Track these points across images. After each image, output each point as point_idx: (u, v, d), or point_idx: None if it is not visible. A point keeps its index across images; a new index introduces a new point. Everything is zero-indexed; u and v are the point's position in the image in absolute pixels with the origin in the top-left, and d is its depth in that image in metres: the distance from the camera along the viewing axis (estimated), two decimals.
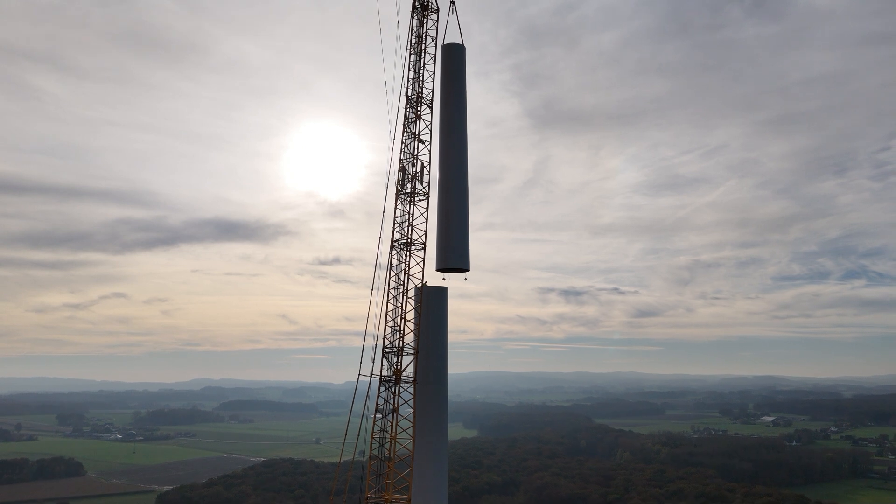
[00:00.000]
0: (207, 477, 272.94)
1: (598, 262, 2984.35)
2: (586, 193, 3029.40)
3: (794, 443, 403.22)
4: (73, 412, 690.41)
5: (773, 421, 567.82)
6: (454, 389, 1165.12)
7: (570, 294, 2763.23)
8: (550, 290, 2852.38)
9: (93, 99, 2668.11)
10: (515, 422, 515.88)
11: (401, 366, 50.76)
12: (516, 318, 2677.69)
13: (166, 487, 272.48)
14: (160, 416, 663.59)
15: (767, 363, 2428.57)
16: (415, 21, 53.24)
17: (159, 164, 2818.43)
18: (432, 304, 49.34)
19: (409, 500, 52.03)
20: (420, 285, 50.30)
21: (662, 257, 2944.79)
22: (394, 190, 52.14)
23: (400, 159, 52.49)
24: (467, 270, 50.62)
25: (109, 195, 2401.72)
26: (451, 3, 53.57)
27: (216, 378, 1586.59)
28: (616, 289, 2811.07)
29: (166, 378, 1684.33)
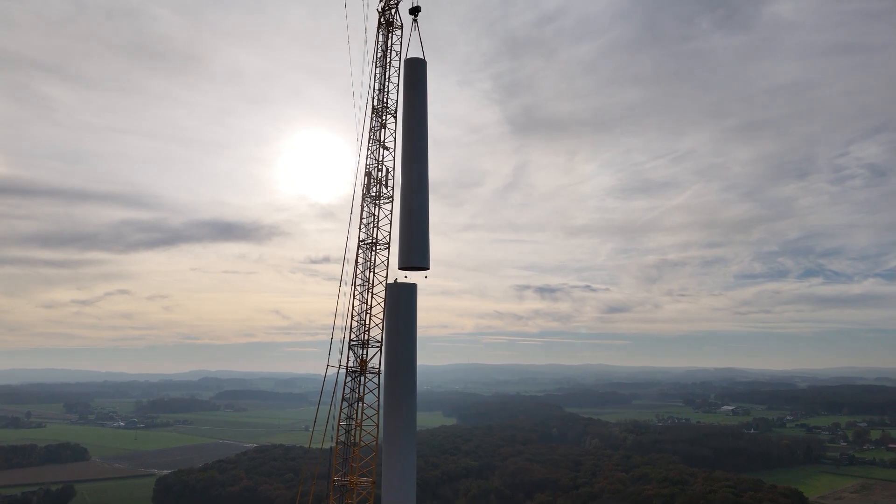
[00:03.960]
0: (203, 462, 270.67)
1: (572, 262, 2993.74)
2: (562, 196, 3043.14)
3: (752, 430, 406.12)
4: (79, 401, 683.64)
5: (732, 410, 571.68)
6: (435, 380, 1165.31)
7: (546, 291, 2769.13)
8: (527, 287, 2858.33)
9: (99, 107, 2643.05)
10: (492, 411, 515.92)
11: (366, 357, 50.71)
12: (494, 313, 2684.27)
13: (165, 471, 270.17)
14: (160, 405, 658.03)
15: (729, 356, 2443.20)
16: (380, 36, 53.68)
17: (161, 168, 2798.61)
18: (402, 299, 49.16)
19: (374, 483, 51.93)
20: (392, 282, 50.19)
21: (633, 257, 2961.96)
22: (360, 193, 52.34)
23: (366, 165, 52.67)
24: (427, 269, 50.62)
25: (114, 198, 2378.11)
26: (413, 20, 53.85)
27: (213, 370, 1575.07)
28: (588, 286, 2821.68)
29: (167, 370, 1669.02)
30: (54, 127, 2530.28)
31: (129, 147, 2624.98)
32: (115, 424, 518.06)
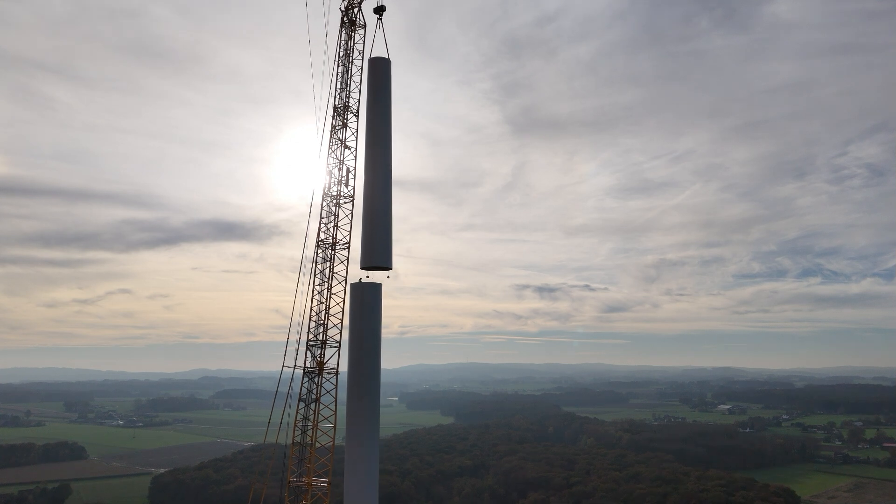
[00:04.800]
0: (200, 460, 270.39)
1: (571, 261, 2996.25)
2: (561, 196, 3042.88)
3: (748, 429, 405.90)
4: (79, 400, 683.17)
5: (728, 409, 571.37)
6: (434, 379, 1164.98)
7: (545, 290, 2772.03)
8: (526, 286, 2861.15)
9: (101, 107, 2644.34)
10: (489, 409, 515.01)
11: (323, 358, 50.47)
12: (494, 312, 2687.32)
13: (162, 470, 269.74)
14: (160, 403, 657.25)
15: (726, 355, 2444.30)
16: (343, 35, 53.27)
17: (162, 168, 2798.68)
18: (366, 299, 48.75)
19: (329, 484, 51.67)
20: (356, 282, 49.86)
21: (631, 256, 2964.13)
22: (321, 193, 52.06)
23: (327, 164, 52.26)
24: (390, 269, 50.24)
25: (115, 197, 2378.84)
26: (377, 19, 53.43)
27: (213, 368, 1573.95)
28: (587, 286, 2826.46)
29: (167, 368, 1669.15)
30: (56, 127, 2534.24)
31: (131, 147, 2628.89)
32: (114, 423, 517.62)
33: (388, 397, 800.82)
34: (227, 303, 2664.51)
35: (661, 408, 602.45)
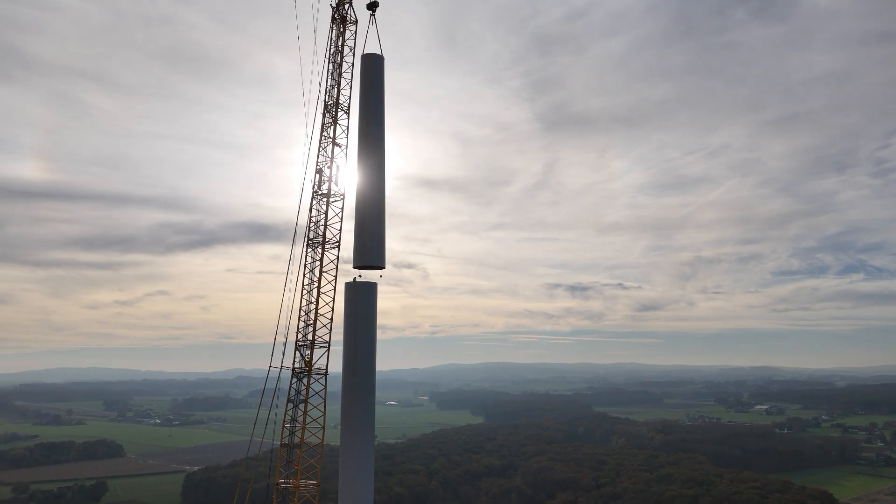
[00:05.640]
0: (232, 458, 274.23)
1: (604, 259, 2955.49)
2: (593, 194, 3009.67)
3: (785, 430, 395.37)
4: (118, 399, 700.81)
5: (766, 409, 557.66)
6: (464, 378, 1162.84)
7: (577, 289, 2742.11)
8: (557, 285, 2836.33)
9: (138, 113, 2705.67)
10: (519, 409, 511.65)
11: (312, 358, 50.03)
12: (525, 312, 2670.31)
13: (195, 468, 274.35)
14: (195, 402, 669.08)
15: (765, 355, 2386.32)
16: (334, 31, 52.76)
17: (197, 171, 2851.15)
18: (361, 298, 48.09)
19: (318, 486, 51.13)
20: (350, 281, 49.28)
21: (665, 254, 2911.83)
22: (310, 191, 51.61)
23: (317, 162, 51.71)
24: (383, 268, 49.52)
25: (153, 201, 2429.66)
26: (370, 15, 52.72)
27: (248, 368, 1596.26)
28: (620, 284, 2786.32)
29: (204, 368, 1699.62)
30: (96, 133, 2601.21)
31: (168, 152, 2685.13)
32: (152, 422, 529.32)
33: (418, 396, 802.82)
34: (262, 303, 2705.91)
35: (696, 408, 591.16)
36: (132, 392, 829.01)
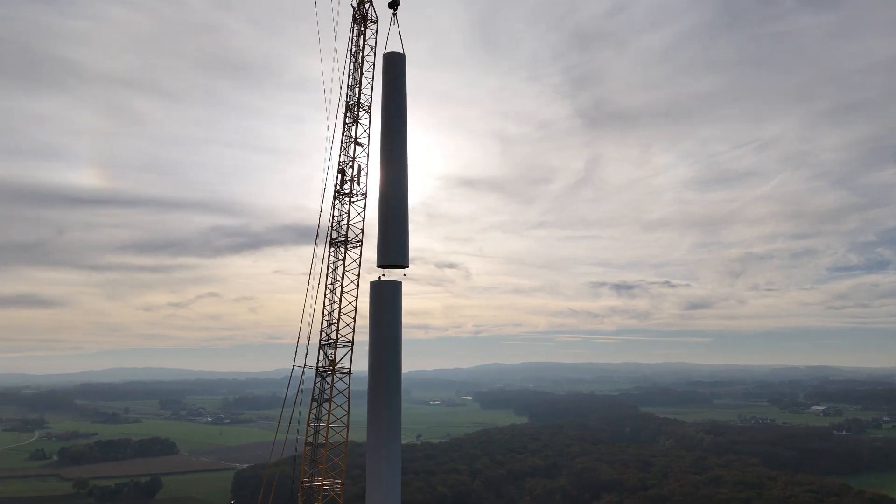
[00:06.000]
0: (278, 456, 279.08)
1: (649, 257, 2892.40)
2: (636, 190, 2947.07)
3: (844, 432, 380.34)
4: (172, 398, 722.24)
5: (823, 410, 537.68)
6: (508, 378, 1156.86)
7: (622, 288, 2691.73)
8: (602, 284, 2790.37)
9: (186, 120, 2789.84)
10: (563, 409, 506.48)
11: (335, 357, 50.22)
12: (568, 311, 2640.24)
13: (244, 465, 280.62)
14: (245, 401, 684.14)
15: (821, 354, 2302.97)
16: (355, 31, 52.88)
17: (243, 176, 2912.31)
18: (386, 297, 48.02)
19: (342, 484, 51.31)
20: (375, 280, 49.32)
21: (713, 250, 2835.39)
22: (332, 190, 51.84)
23: (339, 161, 51.80)
24: (407, 266, 49.25)
25: (202, 205, 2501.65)
26: (392, 13, 52.58)
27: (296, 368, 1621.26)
28: (667, 282, 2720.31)
29: (252, 367, 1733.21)
30: (146, 140, 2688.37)
31: (215, 157, 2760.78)
32: (204, 420, 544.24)
33: (462, 396, 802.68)
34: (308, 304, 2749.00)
35: (748, 409, 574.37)
36: (185, 391, 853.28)
